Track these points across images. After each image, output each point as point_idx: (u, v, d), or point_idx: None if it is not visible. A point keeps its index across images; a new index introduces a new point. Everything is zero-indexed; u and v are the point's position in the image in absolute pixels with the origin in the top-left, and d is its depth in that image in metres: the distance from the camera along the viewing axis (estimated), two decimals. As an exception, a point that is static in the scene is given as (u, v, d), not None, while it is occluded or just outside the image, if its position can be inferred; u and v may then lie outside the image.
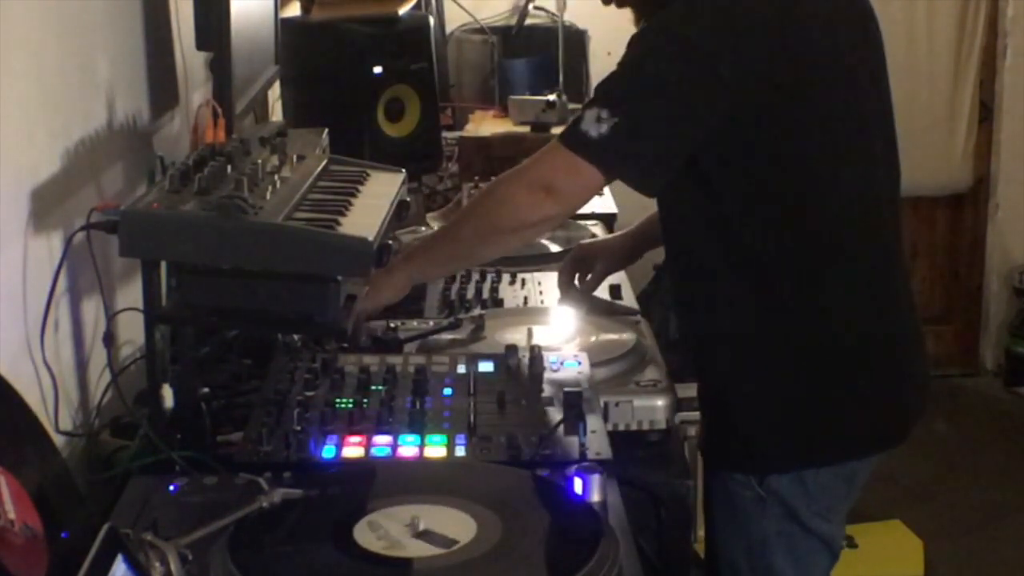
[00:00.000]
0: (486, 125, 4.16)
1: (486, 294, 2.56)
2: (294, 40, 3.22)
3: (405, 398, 1.89)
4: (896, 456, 2.13)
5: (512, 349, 2.05)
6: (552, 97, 4.07)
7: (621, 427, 2.01)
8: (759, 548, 2.07)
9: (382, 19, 3.40)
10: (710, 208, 2.00)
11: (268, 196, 1.88)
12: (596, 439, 1.78)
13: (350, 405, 1.88)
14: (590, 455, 1.73)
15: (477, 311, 2.43)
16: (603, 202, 3.31)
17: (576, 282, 2.45)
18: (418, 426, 1.81)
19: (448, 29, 4.67)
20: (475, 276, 2.64)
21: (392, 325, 2.26)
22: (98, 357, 2.05)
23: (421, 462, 1.73)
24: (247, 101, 2.65)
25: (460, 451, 1.76)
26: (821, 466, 2.03)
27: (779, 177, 1.98)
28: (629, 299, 2.56)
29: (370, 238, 1.85)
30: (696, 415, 2.25)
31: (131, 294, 2.08)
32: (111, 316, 2.05)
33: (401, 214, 2.24)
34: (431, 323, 2.33)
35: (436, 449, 1.76)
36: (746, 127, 1.93)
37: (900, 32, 5.04)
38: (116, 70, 2.26)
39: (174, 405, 1.84)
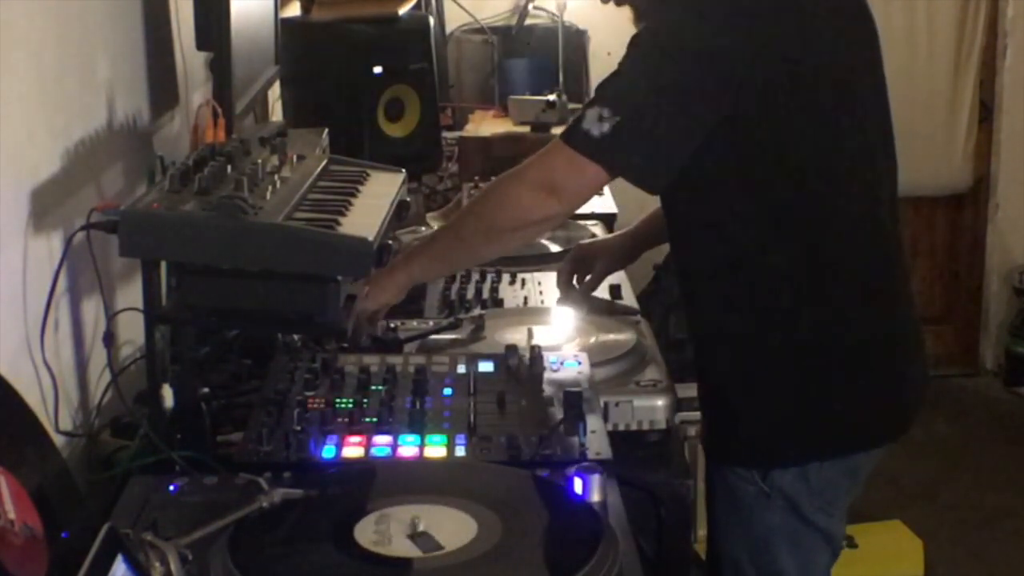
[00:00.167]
0: (486, 125, 4.16)
1: (486, 294, 2.56)
2: (294, 40, 3.23)
3: (405, 398, 1.89)
4: (896, 456, 2.14)
5: (512, 349, 2.05)
6: (552, 97, 4.08)
7: (621, 427, 2.01)
8: (762, 543, 2.08)
9: (382, 19, 3.41)
10: (712, 207, 2.01)
11: (268, 196, 1.88)
12: (596, 439, 1.78)
13: (350, 405, 1.88)
14: (590, 455, 1.73)
15: (477, 311, 2.43)
16: (603, 202, 3.32)
17: (575, 282, 2.45)
18: (418, 426, 1.81)
19: (448, 29, 4.67)
20: (475, 276, 2.64)
21: (392, 325, 2.26)
22: (98, 357, 2.05)
23: (421, 462, 1.73)
24: (247, 101, 2.65)
25: (460, 451, 1.76)
26: (824, 460, 2.04)
27: (780, 176, 1.99)
28: (629, 299, 2.56)
29: (370, 238, 1.85)
30: (696, 415, 2.25)
31: (131, 294, 2.08)
32: (111, 316, 2.05)
33: (401, 214, 2.24)
34: (431, 323, 2.33)
35: (436, 449, 1.76)
36: (747, 126, 1.94)
37: (900, 32, 5.04)
38: (116, 70, 2.26)
39: (174, 405, 1.84)
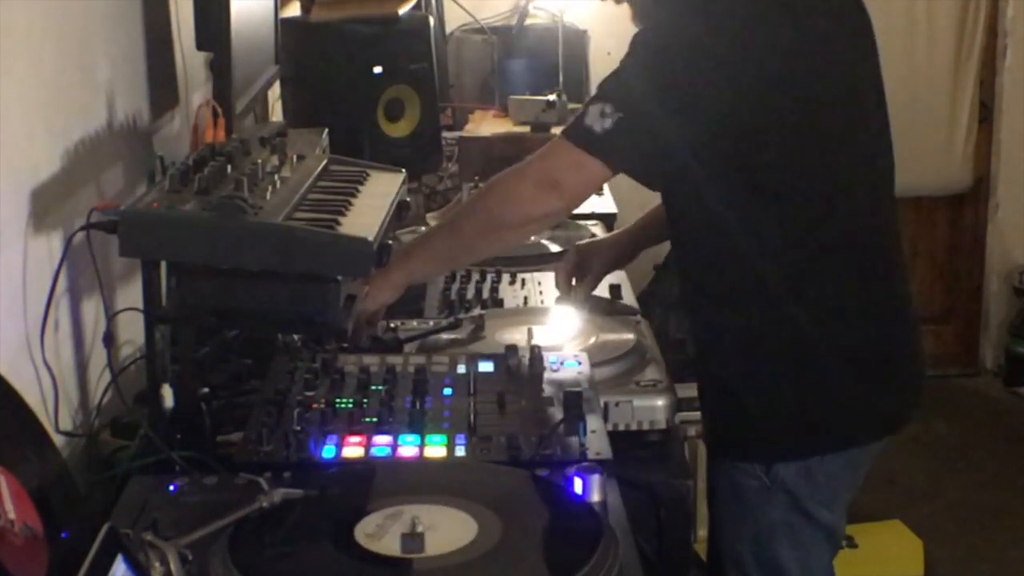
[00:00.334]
0: (486, 125, 4.16)
1: (486, 294, 2.56)
2: (294, 40, 3.23)
3: (405, 398, 1.89)
4: (896, 456, 2.15)
5: (512, 349, 2.05)
6: (552, 97, 4.07)
7: (621, 427, 2.01)
8: (764, 538, 2.09)
9: (382, 19, 3.40)
10: (712, 204, 2.02)
11: (268, 196, 1.88)
12: (596, 439, 1.78)
13: (350, 405, 1.88)
14: (590, 455, 1.73)
15: (477, 311, 2.43)
16: (603, 202, 3.32)
17: (574, 282, 2.45)
18: (418, 426, 1.81)
19: (448, 29, 4.67)
20: (475, 276, 2.64)
21: (392, 325, 2.26)
22: (98, 357, 2.05)
23: (421, 462, 1.73)
24: (247, 101, 2.65)
25: (460, 451, 1.76)
26: (826, 453, 2.06)
27: (781, 174, 1.99)
28: (629, 299, 2.56)
29: (370, 238, 1.85)
30: (696, 415, 2.25)
31: (131, 294, 2.08)
32: (111, 316, 2.06)
33: (401, 214, 2.24)
34: (431, 323, 2.33)
35: (436, 449, 1.76)
36: (748, 125, 1.95)
37: (900, 32, 5.04)
38: (116, 70, 2.26)
39: (174, 405, 1.84)
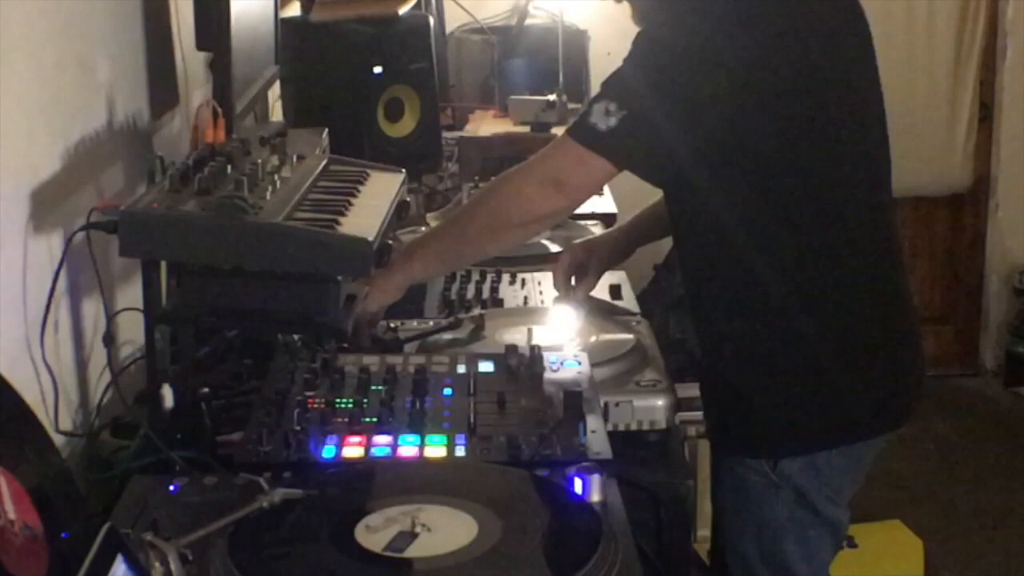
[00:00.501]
0: (486, 125, 4.16)
1: (486, 294, 2.56)
2: (294, 40, 3.23)
3: (405, 398, 1.89)
4: (896, 456, 2.15)
5: (512, 349, 2.05)
6: (552, 97, 4.08)
7: (621, 427, 2.01)
8: (770, 534, 2.09)
9: (382, 19, 3.40)
10: (715, 203, 2.02)
11: (268, 196, 1.88)
12: (596, 439, 1.78)
13: (350, 405, 1.88)
14: (590, 455, 1.73)
15: (477, 311, 2.43)
16: (603, 202, 3.31)
17: (573, 282, 2.45)
18: (418, 426, 1.81)
19: (448, 29, 4.67)
20: (475, 276, 2.64)
21: (392, 325, 2.26)
22: (98, 357, 2.05)
23: (421, 462, 1.73)
24: (247, 101, 2.65)
25: (460, 451, 1.76)
26: (832, 448, 2.07)
27: (783, 173, 2.00)
28: (629, 299, 2.56)
29: (370, 238, 1.85)
30: (696, 415, 2.25)
31: (131, 294, 2.08)
32: (111, 316, 2.06)
33: (401, 214, 2.24)
34: (431, 323, 2.33)
35: (436, 449, 1.76)
36: (752, 122, 1.95)
37: (900, 32, 5.04)
38: (116, 70, 2.26)
39: (174, 405, 1.84)
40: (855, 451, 2.11)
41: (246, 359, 2.18)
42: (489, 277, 2.64)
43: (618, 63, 1.99)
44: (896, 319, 2.15)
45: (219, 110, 2.39)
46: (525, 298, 2.56)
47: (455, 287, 2.59)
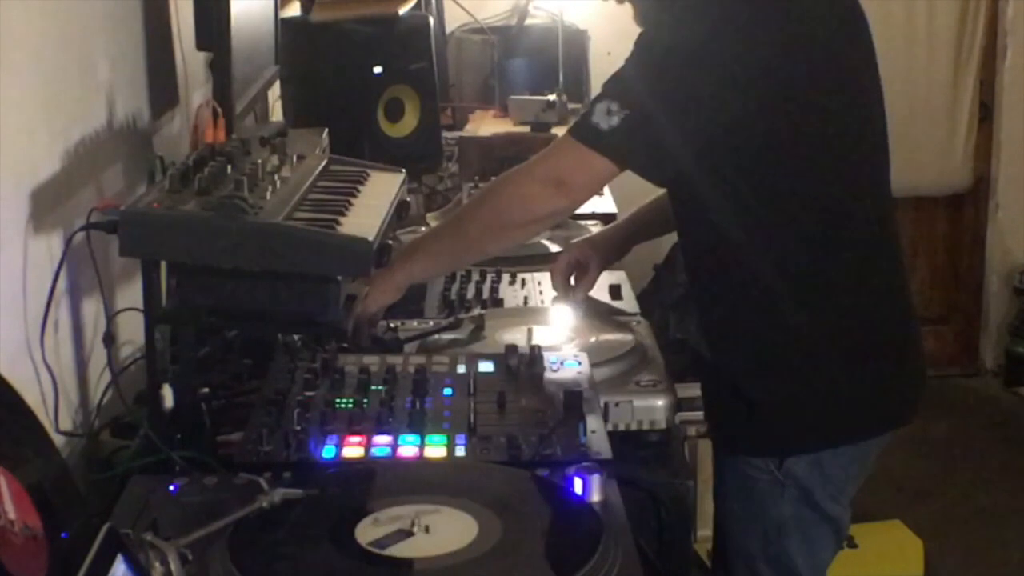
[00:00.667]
0: (486, 125, 4.16)
1: (486, 294, 2.56)
2: (294, 40, 3.22)
3: (405, 398, 1.89)
4: (896, 456, 2.15)
5: (512, 349, 2.05)
6: (552, 97, 4.08)
7: (621, 427, 2.01)
8: (774, 533, 2.10)
9: (382, 19, 3.40)
10: (718, 202, 2.02)
11: (268, 196, 1.88)
12: (596, 439, 1.78)
13: (350, 405, 1.88)
14: (590, 455, 1.73)
15: (477, 311, 2.43)
16: (603, 202, 3.31)
17: (572, 281, 2.45)
18: (418, 426, 1.81)
19: (448, 29, 4.67)
20: (475, 276, 2.64)
21: (392, 325, 2.26)
22: (98, 357, 2.05)
23: (421, 462, 1.73)
24: (247, 101, 2.65)
25: (460, 451, 1.76)
26: (837, 446, 2.07)
27: (786, 172, 2.01)
28: (629, 299, 2.56)
29: (370, 238, 1.85)
30: (696, 415, 2.25)
31: (131, 294, 2.08)
32: (111, 316, 2.06)
33: (401, 214, 2.24)
34: (431, 323, 2.33)
35: (436, 449, 1.76)
36: (754, 123, 1.95)
37: (900, 32, 5.04)
38: (116, 70, 2.26)
39: (174, 405, 1.84)
40: (860, 449, 2.12)
41: (246, 359, 2.18)
42: (489, 277, 2.64)
43: (619, 63, 1.99)
44: (899, 317, 2.16)
45: (219, 110, 2.39)
46: (525, 298, 2.56)
47: (455, 287, 2.59)
